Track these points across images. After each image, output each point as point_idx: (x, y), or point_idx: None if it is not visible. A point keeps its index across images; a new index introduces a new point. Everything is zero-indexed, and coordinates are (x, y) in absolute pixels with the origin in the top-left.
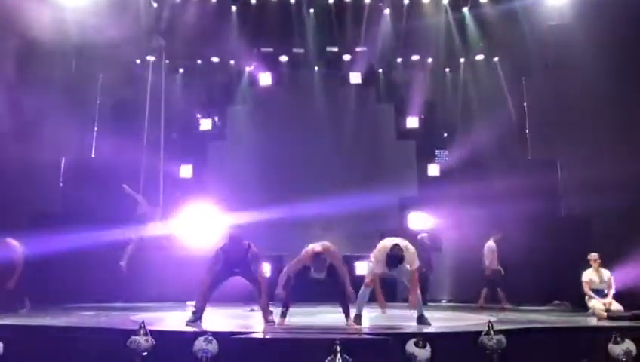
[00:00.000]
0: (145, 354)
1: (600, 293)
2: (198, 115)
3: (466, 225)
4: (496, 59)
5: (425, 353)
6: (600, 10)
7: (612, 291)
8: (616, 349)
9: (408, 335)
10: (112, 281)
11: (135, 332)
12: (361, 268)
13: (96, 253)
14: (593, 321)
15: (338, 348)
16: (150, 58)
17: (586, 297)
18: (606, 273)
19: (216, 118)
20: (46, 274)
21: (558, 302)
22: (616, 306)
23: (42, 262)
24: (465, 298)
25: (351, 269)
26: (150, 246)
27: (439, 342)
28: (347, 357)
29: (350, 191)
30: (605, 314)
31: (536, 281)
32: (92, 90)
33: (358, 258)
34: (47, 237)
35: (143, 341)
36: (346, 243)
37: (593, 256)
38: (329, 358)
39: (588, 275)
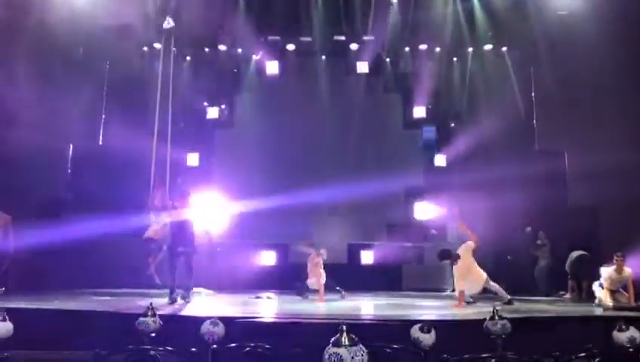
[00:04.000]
0: (153, 334)
1: (618, 292)
2: (205, 103)
3: (471, 215)
4: (504, 49)
5: (429, 338)
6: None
7: (631, 288)
8: (621, 336)
9: (413, 322)
10: (118, 268)
11: (143, 314)
12: (367, 256)
13: (104, 240)
14: (599, 311)
15: (344, 328)
16: (158, 45)
17: (594, 286)
18: (627, 270)
19: (223, 106)
20: (55, 260)
21: (562, 292)
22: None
23: (51, 249)
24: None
25: (356, 258)
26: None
27: (444, 328)
28: (353, 337)
29: (356, 180)
30: (611, 304)
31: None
32: (99, 77)
33: (364, 246)
34: (56, 224)
35: (151, 322)
36: (352, 232)
37: (618, 254)
38: (335, 337)
39: (607, 273)
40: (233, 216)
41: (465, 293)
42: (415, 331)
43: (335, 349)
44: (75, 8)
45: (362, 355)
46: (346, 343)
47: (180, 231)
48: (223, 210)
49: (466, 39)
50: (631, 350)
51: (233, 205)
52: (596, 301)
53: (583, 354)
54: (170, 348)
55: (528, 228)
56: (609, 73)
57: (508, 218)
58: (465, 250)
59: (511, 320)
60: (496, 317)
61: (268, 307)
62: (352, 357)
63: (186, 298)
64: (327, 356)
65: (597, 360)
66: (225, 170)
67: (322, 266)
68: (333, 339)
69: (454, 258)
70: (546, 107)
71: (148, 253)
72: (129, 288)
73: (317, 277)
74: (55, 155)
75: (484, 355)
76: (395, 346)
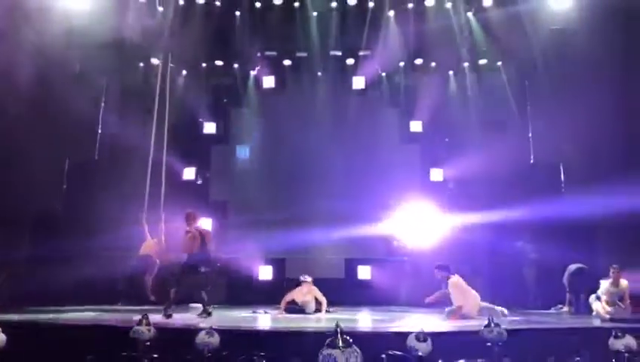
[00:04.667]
0: (148, 343)
1: (615, 305)
2: (201, 119)
3: (468, 230)
4: (499, 63)
5: (426, 347)
6: (603, 14)
7: (627, 300)
8: (617, 343)
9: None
10: (112, 284)
11: (137, 323)
12: (364, 272)
13: (98, 255)
14: (596, 323)
15: (339, 329)
16: (155, 61)
17: (591, 298)
18: (623, 282)
19: (216, 122)
20: (48, 274)
21: (560, 306)
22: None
23: (45, 263)
24: None
25: (354, 273)
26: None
27: (440, 337)
28: (348, 338)
29: (354, 195)
30: (608, 316)
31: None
32: (96, 92)
33: (361, 261)
34: (49, 238)
35: (145, 330)
36: (349, 247)
37: (614, 266)
38: (329, 339)
39: (605, 286)
40: (231, 230)
41: (462, 310)
42: (411, 340)
43: (330, 351)
44: (73, 22)
45: (356, 357)
46: (341, 345)
47: (202, 250)
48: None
49: (462, 54)
50: (627, 355)
51: (230, 220)
52: (594, 313)
53: (578, 359)
54: (164, 357)
55: (520, 243)
56: (604, 87)
57: (505, 232)
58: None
59: (507, 329)
60: (492, 325)
61: (264, 320)
62: (347, 359)
63: (207, 312)
64: (321, 357)
65: None
66: (220, 184)
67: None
68: (327, 341)
69: (450, 272)
70: (541, 121)
71: (143, 270)
72: (122, 304)
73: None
74: (51, 169)
75: (479, 360)
76: (390, 353)
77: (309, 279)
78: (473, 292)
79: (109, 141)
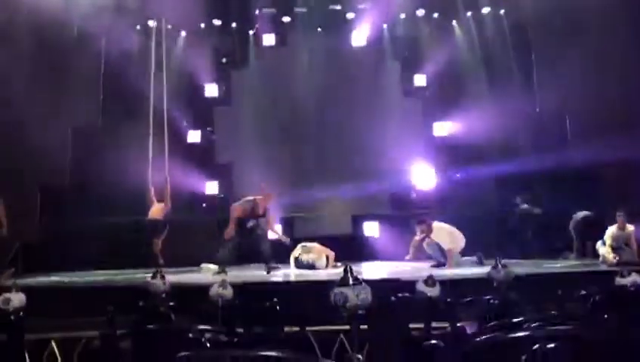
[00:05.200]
0: (164, 295)
1: (621, 248)
2: (202, 82)
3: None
4: (502, 11)
5: (434, 291)
6: None
7: (634, 245)
8: (623, 281)
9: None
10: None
11: (152, 277)
12: (369, 228)
13: (106, 223)
14: (603, 267)
15: (349, 267)
16: (151, 23)
17: (598, 244)
18: (629, 227)
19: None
20: (59, 244)
21: (567, 252)
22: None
23: (54, 234)
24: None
25: (359, 229)
26: None
27: (448, 283)
28: (357, 277)
29: (357, 151)
30: (615, 260)
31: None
32: (95, 57)
33: (365, 218)
34: (58, 209)
35: (160, 283)
36: (353, 204)
37: (620, 214)
38: (340, 276)
39: (611, 229)
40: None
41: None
42: (420, 285)
43: (340, 289)
44: None
45: (366, 293)
46: (351, 282)
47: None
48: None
49: (464, 3)
50: (632, 289)
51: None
52: (600, 259)
53: (584, 293)
54: (180, 305)
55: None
56: (610, 32)
57: (509, 184)
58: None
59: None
60: (499, 265)
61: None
62: (357, 295)
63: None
64: (332, 295)
65: (597, 297)
66: (225, 147)
67: None
68: (338, 279)
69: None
70: (545, 69)
71: (152, 234)
72: (133, 268)
73: None
74: (54, 136)
75: (486, 297)
76: (400, 294)
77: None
78: (458, 231)
79: (111, 106)
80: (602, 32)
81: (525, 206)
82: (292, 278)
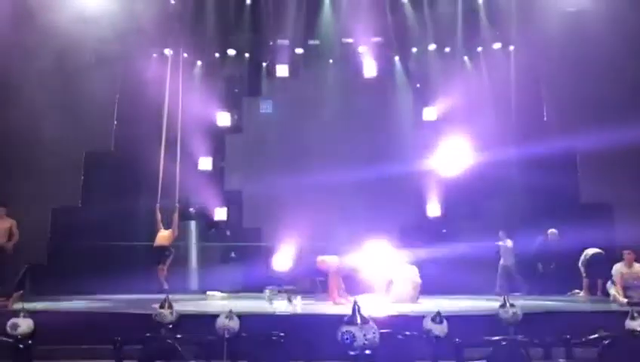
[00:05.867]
0: (170, 326)
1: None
2: (216, 109)
3: (481, 216)
4: (512, 47)
5: (442, 328)
6: None
7: None
8: (633, 323)
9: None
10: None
11: (160, 306)
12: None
13: (117, 246)
14: (613, 307)
15: (357, 306)
16: (168, 51)
17: (608, 284)
18: (637, 266)
19: (230, 112)
20: (69, 266)
21: (577, 291)
22: None
23: (65, 255)
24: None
25: None
26: None
27: (456, 319)
28: (365, 315)
29: (367, 181)
30: (625, 301)
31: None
32: (112, 83)
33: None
34: (69, 230)
35: (167, 313)
36: (364, 234)
37: (627, 251)
38: (348, 316)
39: (618, 269)
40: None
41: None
42: (427, 322)
43: (348, 327)
44: (86, 13)
45: (374, 333)
46: (359, 321)
47: None
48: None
49: (475, 38)
50: None
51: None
52: (610, 298)
53: (593, 336)
54: (187, 337)
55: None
56: (620, 71)
57: (519, 218)
58: None
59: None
60: (508, 305)
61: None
62: (364, 335)
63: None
64: (340, 334)
65: (607, 342)
66: (235, 174)
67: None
68: (346, 318)
69: None
70: (555, 105)
71: (158, 260)
72: (138, 294)
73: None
74: (68, 160)
75: (495, 338)
76: (408, 333)
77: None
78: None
79: (125, 132)
80: (609, 67)
81: (506, 241)
82: (299, 311)
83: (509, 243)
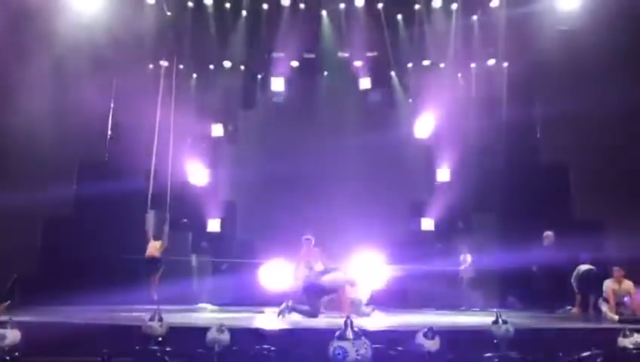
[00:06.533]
0: (160, 339)
1: (622, 305)
2: (211, 121)
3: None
4: (506, 64)
5: (434, 344)
6: (611, 15)
7: (636, 300)
8: (625, 341)
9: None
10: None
11: (150, 319)
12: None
13: (107, 258)
14: (605, 324)
15: (349, 321)
16: (164, 63)
17: (600, 301)
18: (628, 284)
19: (225, 124)
20: (58, 277)
21: (569, 307)
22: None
23: (55, 265)
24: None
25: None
26: None
27: (447, 334)
28: (358, 331)
29: (362, 195)
30: (617, 317)
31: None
32: (106, 95)
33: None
34: (59, 241)
35: (157, 326)
36: (358, 248)
37: (616, 268)
38: (339, 331)
39: (609, 286)
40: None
41: None
42: (419, 337)
43: (340, 342)
44: (83, 23)
45: (366, 349)
46: (351, 337)
47: None
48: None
49: (469, 55)
50: (635, 352)
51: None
52: (602, 315)
53: (586, 354)
54: (177, 350)
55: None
56: (612, 88)
57: (513, 232)
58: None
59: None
60: (500, 321)
61: (272, 319)
62: (357, 351)
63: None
64: (332, 349)
65: (599, 360)
66: (230, 186)
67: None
68: (337, 333)
69: None
70: (549, 121)
71: (148, 272)
72: (128, 305)
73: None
74: (61, 169)
75: (487, 355)
76: (400, 348)
77: None
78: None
79: (119, 142)
80: (602, 84)
81: (466, 257)
82: (290, 325)
83: (469, 258)
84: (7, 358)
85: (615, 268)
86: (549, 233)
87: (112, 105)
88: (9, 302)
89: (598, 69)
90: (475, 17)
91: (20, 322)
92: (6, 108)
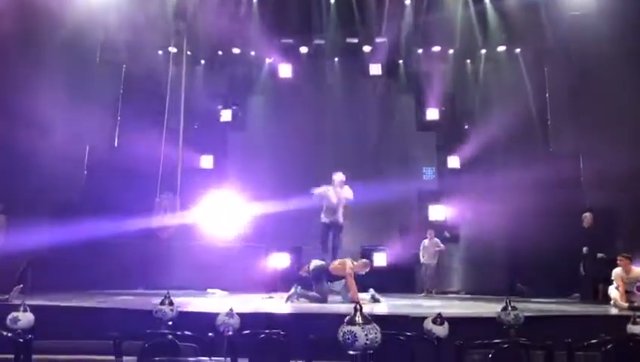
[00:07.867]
0: (170, 323)
1: (632, 292)
2: (219, 106)
3: (484, 218)
4: (518, 50)
5: (442, 330)
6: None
7: None
8: (635, 328)
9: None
10: (133, 269)
11: (160, 303)
12: (379, 259)
13: (117, 242)
14: (614, 311)
15: (359, 306)
16: (172, 49)
17: (609, 289)
18: (637, 271)
19: (235, 107)
20: (69, 261)
21: (577, 294)
22: None
23: (65, 250)
24: (478, 289)
25: (369, 260)
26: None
27: (457, 321)
28: (367, 316)
29: (370, 182)
30: (626, 305)
31: (555, 274)
32: (115, 80)
33: (376, 249)
34: (69, 226)
35: (168, 310)
36: (365, 235)
37: (619, 257)
38: (349, 316)
39: (618, 273)
40: (247, 218)
41: None
42: (428, 323)
43: (349, 327)
44: (92, 10)
45: (376, 333)
46: (360, 321)
47: None
48: (237, 212)
49: (480, 41)
50: None
51: (247, 207)
52: (612, 302)
53: (594, 341)
54: (188, 333)
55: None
56: (624, 74)
57: (522, 220)
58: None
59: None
60: (509, 308)
61: (280, 304)
62: (366, 335)
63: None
64: (341, 334)
65: (609, 346)
66: (238, 172)
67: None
68: (347, 318)
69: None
70: (560, 108)
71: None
72: (143, 289)
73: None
74: (71, 157)
75: (496, 341)
76: (408, 333)
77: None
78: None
79: (128, 128)
80: (616, 70)
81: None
82: (300, 310)
83: (426, 242)
84: (21, 340)
85: (619, 257)
86: (587, 214)
87: (121, 90)
88: (21, 285)
89: (610, 54)
90: (487, 1)
91: (34, 306)
92: (14, 94)
